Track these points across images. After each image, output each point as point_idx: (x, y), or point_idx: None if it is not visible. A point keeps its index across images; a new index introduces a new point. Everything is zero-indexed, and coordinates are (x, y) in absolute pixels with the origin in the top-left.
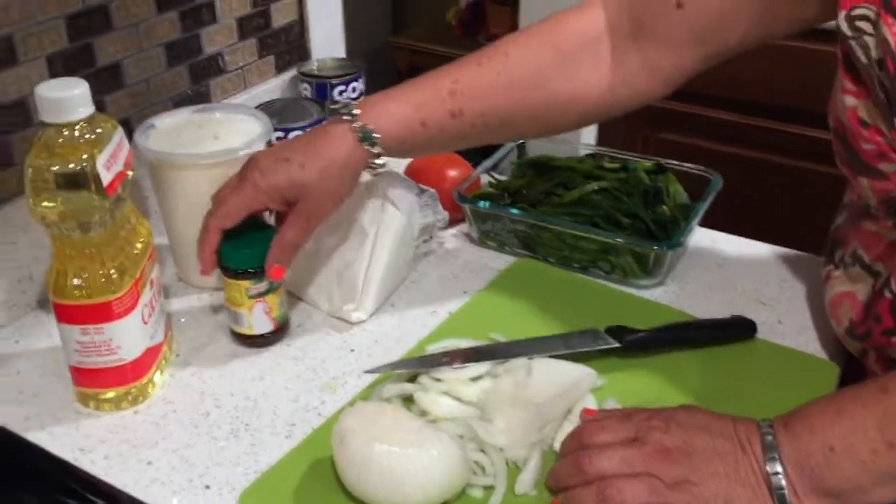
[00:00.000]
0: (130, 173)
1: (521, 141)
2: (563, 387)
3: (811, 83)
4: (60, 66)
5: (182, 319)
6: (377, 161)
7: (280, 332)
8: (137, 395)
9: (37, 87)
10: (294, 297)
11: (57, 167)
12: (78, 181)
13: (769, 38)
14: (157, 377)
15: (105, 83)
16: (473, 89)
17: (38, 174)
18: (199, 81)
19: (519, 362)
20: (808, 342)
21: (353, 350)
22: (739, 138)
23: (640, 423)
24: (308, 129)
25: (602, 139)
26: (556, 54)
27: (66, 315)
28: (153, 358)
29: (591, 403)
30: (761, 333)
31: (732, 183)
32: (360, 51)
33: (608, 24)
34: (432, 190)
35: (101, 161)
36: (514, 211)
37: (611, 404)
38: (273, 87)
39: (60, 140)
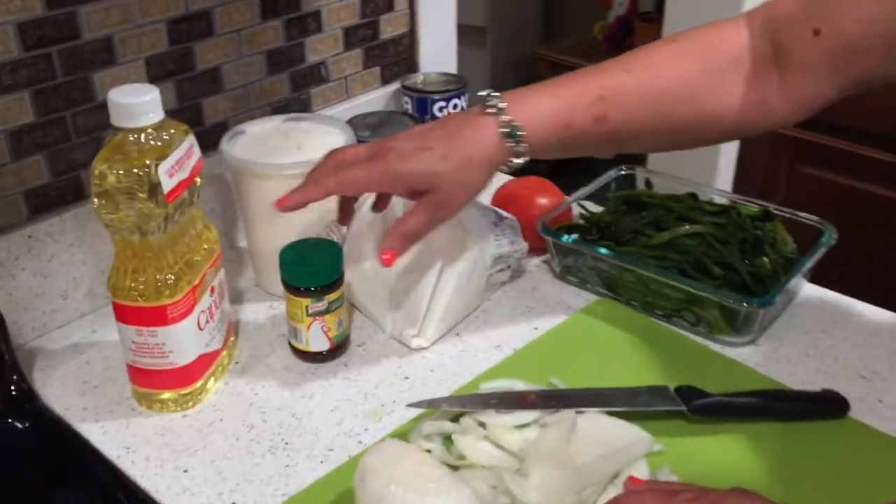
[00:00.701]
0: (199, 180)
1: (659, 151)
2: (610, 448)
3: None
4: (159, 68)
5: (250, 327)
6: (518, 159)
7: (337, 351)
8: (188, 399)
9: (109, 91)
10: (362, 316)
11: (118, 171)
12: (137, 186)
13: None
14: (212, 383)
15: (203, 87)
16: (620, 96)
17: (102, 177)
18: (299, 89)
19: (567, 415)
20: None
21: (407, 378)
22: (889, 178)
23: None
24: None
25: (741, 171)
26: (704, 68)
27: (123, 314)
28: (207, 364)
29: (643, 470)
30: (857, 412)
31: (868, 228)
32: (506, 58)
33: (751, 43)
34: (513, 218)
35: (164, 167)
36: (597, 249)
37: (665, 474)
38: (376, 98)
39: (127, 144)
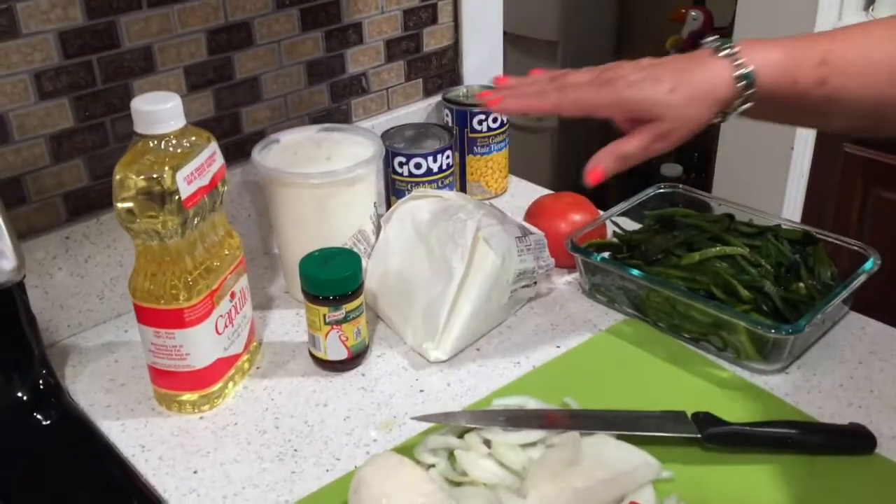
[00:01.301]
0: (223, 187)
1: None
2: (613, 473)
3: None
4: (198, 76)
5: (275, 333)
6: (745, 106)
7: (354, 360)
8: (206, 402)
9: (133, 99)
10: (385, 326)
11: (138, 177)
12: (154, 192)
13: None
14: (231, 387)
15: (242, 96)
16: (842, 62)
17: (123, 182)
18: (339, 100)
19: (571, 436)
20: None
21: (422, 390)
22: None
23: None
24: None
25: (812, 195)
26: None
27: (143, 316)
28: (226, 368)
29: (648, 497)
30: (887, 449)
31: None
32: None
33: None
34: (539, 234)
35: (182, 174)
36: (624, 268)
37: (671, 502)
38: (418, 110)
39: (149, 151)
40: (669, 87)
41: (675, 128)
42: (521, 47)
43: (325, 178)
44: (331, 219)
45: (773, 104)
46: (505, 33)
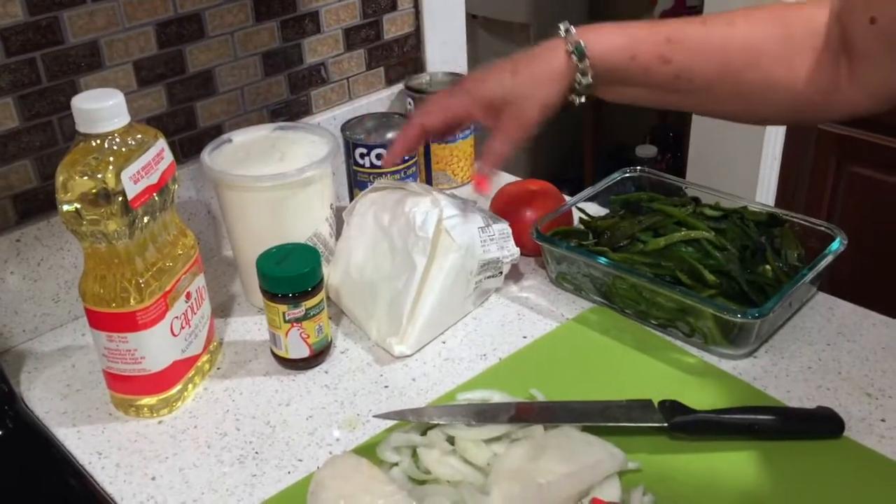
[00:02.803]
0: (174, 185)
1: (717, 117)
2: (577, 466)
3: None
4: (148, 71)
5: (237, 332)
6: (584, 79)
7: (317, 357)
8: (163, 405)
9: (74, 97)
10: (349, 321)
11: (81, 178)
12: (99, 193)
13: None
14: (190, 389)
15: (196, 90)
16: (689, 42)
17: (65, 183)
18: (298, 91)
19: (535, 430)
20: None
21: (387, 386)
22: None
23: None
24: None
25: (786, 172)
26: (782, 34)
27: (94, 320)
28: (184, 370)
29: (614, 490)
30: (856, 432)
31: None
32: None
33: (828, 24)
34: (504, 223)
35: (128, 173)
36: (588, 255)
37: (638, 494)
38: (380, 99)
39: (92, 150)
40: (511, 72)
41: (525, 109)
42: (492, 30)
43: (275, 180)
44: (284, 222)
45: (620, 80)
46: (475, 16)
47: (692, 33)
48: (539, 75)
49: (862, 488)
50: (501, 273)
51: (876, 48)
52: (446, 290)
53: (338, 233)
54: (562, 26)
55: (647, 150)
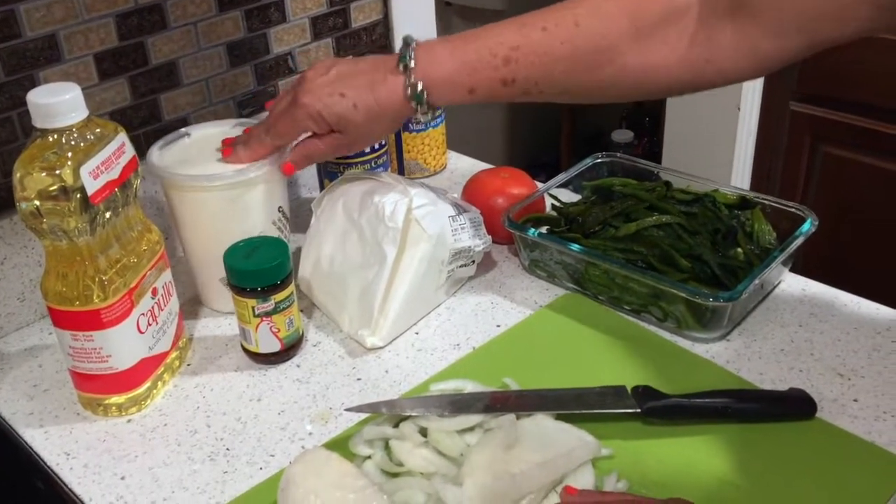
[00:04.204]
0: (137, 180)
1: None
2: (549, 455)
3: None
4: (110, 63)
5: (206, 328)
6: (423, 116)
7: (288, 352)
8: (132, 404)
9: (29, 92)
10: (322, 314)
11: (39, 174)
12: (57, 189)
13: (890, 30)
14: (160, 387)
15: (160, 82)
16: (531, 56)
17: (22, 180)
18: (265, 82)
19: (508, 419)
20: (885, 431)
21: (359, 379)
22: None
23: None
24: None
25: (761, 153)
26: (631, 26)
27: (58, 319)
28: (152, 367)
29: (588, 477)
30: (828, 412)
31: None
32: None
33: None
34: (475, 211)
35: (86, 168)
36: (559, 241)
37: (611, 480)
38: None
39: (49, 146)
40: (352, 104)
41: (357, 140)
42: (467, 17)
43: (213, 181)
44: (227, 223)
45: (463, 105)
46: (449, 3)
47: (534, 45)
48: (380, 115)
49: (834, 468)
50: (474, 262)
51: (787, 18)
52: (418, 280)
53: (304, 230)
54: (403, 57)
55: (623, 135)
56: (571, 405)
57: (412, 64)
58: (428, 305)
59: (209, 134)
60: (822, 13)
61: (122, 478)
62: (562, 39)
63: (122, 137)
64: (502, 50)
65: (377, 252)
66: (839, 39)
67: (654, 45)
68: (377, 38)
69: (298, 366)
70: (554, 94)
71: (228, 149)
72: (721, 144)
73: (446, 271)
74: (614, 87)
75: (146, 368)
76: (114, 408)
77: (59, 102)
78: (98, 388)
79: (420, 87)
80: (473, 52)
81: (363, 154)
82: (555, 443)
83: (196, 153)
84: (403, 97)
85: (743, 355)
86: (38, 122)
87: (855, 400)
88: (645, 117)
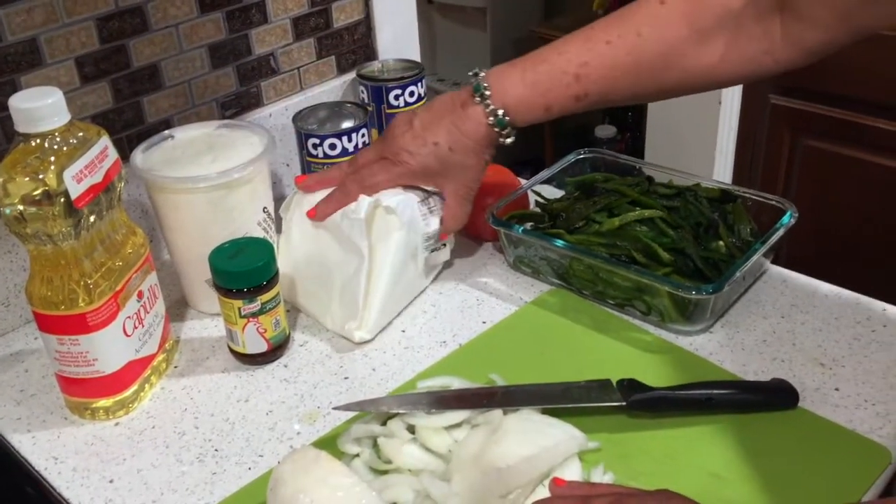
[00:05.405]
0: (120, 182)
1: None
2: (536, 449)
3: None
4: (91, 67)
5: (193, 330)
6: (507, 140)
7: (275, 352)
8: (119, 407)
9: (11, 97)
10: (306, 315)
11: (22, 179)
12: (41, 194)
13: None
14: (147, 389)
15: (142, 85)
16: (600, 70)
17: (5, 185)
18: (248, 83)
19: (495, 415)
20: (866, 419)
21: (347, 378)
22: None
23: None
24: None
25: (743, 147)
26: (691, 31)
27: (43, 323)
28: (139, 370)
29: (575, 470)
30: (811, 402)
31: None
32: (506, 38)
33: None
34: (439, 193)
35: (70, 173)
36: (543, 238)
37: (598, 473)
38: (332, 88)
39: (32, 151)
40: (448, 148)
41: (468, 180)
42: (449, 16)
43: (197, 182)
44: (211, 225)
45: (540, 123)
46: (432, 2)
47: (601, 60)
48: (472, 150)
49: (817, 457)
50: (446, 245)
51: (822, 11)
52: (397, 269)
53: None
54: (476, 88)
55: (606, 131)
56: (557, 399)
57: (488, 93)
58: (410, 293)
59: (192, 136)
60: (851, 5)
61: (111, 481)
62: (626, 51)
63: (105, 141)
64: (572, 67)
65: (352, 247)
66: (882, 27)
67: (715, 45)
68: (360, 38)
69: (286, 366)
70: (622, 100)
71: (312, 209)
72: (703, 139)
73: (422, 257)
74: (681, 88)
75: (133, 371)
76: (101, 411)
77: (40, 107)
78: (85, 392)
79: (501, 112)
80: (545, 72)
81: (347, 153)
82: (542, 437)
83: (180, 155)
84: (487, 124)
85: (726, 347)
86: (21, 127)
87: (836, 389)
88: (627, 113)
